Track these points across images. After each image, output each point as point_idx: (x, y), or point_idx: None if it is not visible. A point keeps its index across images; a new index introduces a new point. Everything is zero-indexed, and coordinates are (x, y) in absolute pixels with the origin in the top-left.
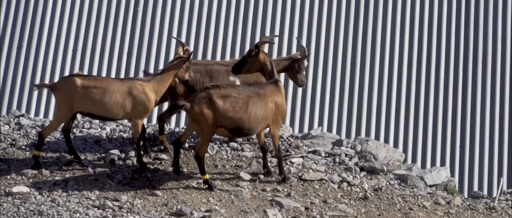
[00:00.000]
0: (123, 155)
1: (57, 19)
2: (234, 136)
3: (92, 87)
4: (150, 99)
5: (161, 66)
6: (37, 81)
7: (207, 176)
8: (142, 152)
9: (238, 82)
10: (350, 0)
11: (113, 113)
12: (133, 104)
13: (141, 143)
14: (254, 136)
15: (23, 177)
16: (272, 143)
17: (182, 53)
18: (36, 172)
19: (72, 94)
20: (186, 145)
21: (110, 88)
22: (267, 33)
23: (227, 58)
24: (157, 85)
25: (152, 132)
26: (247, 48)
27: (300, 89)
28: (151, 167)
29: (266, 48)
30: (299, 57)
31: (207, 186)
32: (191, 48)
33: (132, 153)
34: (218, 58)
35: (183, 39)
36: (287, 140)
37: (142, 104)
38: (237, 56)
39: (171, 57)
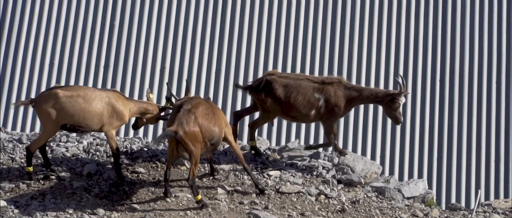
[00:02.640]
0: (100, 169)
1: (33, 33)
2: (212, 149)
3: (76, 96)
4: (126, 113)
5: (137, 80)
6: (14, 95)
7: (200, 196)
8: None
9: (322, 101)
10: (326, 14)
11: (93, 121)
12: (111, 114)
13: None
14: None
15: (0, 191)
16: (236, 155)
17: (151, 97)
18: (13, 186)
19: (58, 107)
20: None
21: (92, 96)
22: (244, 48)
23: (204, 73)
24: (132, 107)
25: (129, 145)
26: (224, 63)
27: None
28: (128, 180)
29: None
30: (396, 92)
31: (201, 205)
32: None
33: (109, 166)
34: (195, 71)
35: (159, 53)
36: (264, 152)
37: (121, 115)
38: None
39: (148, 71)
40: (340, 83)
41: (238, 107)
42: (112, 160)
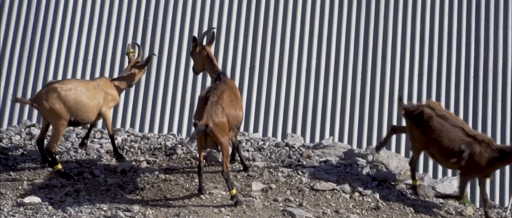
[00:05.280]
0: (134, 165)
1: (67, 28)
2: (237, 132)
3: (74, 89)
4: (116, 92)
5: (171, 75)
6: None
7: (235, 191)
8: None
9: (466, 154)
10: (360, 11)
11: (93, 112)
12: (105, 99)
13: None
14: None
15: (35, 187)
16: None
17: (131, 52)
18: (48, 182)
19: (61, 101)
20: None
21: (87, 87)
22: (268, 43)
23: (238, 69)
24: (120, 84)
25: (164, 142)
26: (249, 58)
27: (311, 98)
28: (163, 177)
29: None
30: None
31: (235, 201)
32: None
33: (145, 163)
34: (229, 66)
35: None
36: (298, 149)
37: (114, 97)
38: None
39: (182, 67)
40: (489, 144)
41: (272, 105)
42: (146, 157)
